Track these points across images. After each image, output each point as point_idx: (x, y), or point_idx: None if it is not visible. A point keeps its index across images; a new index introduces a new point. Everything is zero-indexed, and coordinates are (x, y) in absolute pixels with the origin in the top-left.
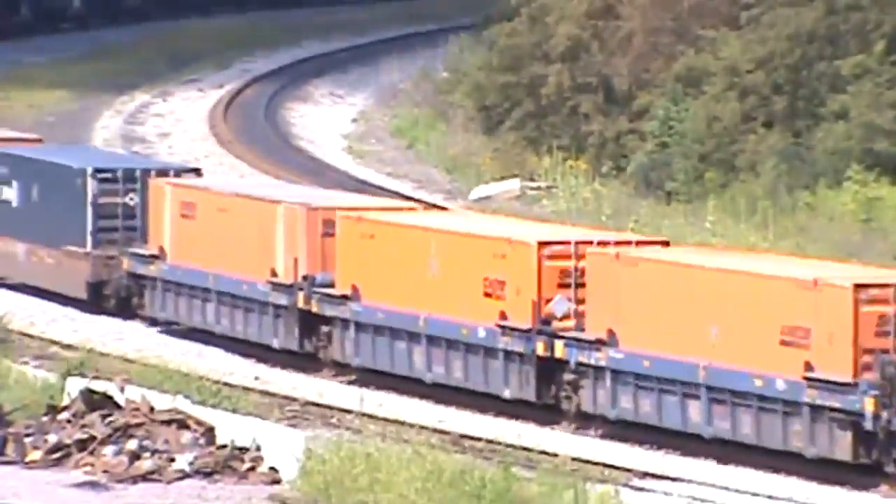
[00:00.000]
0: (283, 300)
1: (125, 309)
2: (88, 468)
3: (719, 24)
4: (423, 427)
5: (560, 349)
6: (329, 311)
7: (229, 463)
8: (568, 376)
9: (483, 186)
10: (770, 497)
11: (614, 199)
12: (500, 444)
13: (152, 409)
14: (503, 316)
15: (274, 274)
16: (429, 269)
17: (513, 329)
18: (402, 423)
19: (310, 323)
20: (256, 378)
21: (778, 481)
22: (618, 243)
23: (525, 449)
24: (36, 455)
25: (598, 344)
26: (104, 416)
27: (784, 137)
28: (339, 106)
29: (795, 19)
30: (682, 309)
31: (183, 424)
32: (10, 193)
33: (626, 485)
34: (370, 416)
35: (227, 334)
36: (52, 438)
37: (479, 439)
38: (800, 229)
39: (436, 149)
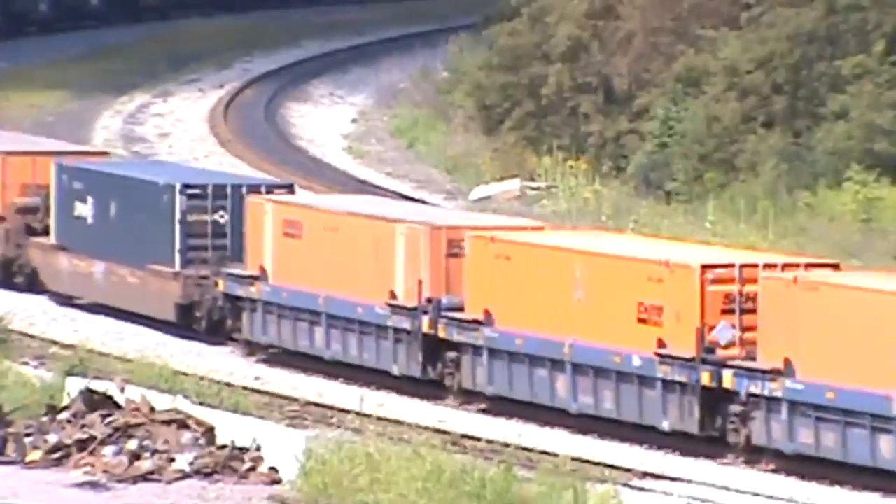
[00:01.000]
0: (404, 324)
1: (217, 332)
2: (88, 468)
3: (719, 24)
4: (423, 427)
5: (728, 379)
6: (458, 337)
7: (229, 463)
8: (736, 408)
9: (483, 186)
10: (770, 497)
11: (614, 199)
12: (500, 444)
13: (152, 409)
14: (661, 343)
15: (393, 296)
16: (573, 293)
17: (673, 358)
18: (402, 423)
19: (434, 348)
20: (256, 378)
21: (778, 481)
22: (786, 266)
23: (525, 449)
24: (36, 455)
25: (773, 374)
26: (104, 416)
27: (784, 137)
28: (339, 106)
29: (795, 19)
30: (869, 336)
31: (183, 424)
32: (85, 209)
33: (626, 485)
34: (370, 416)
35: (337, 359)
36: (52, 438)
37: (479, 439)
38: (800, 229)
39: (436, 149)
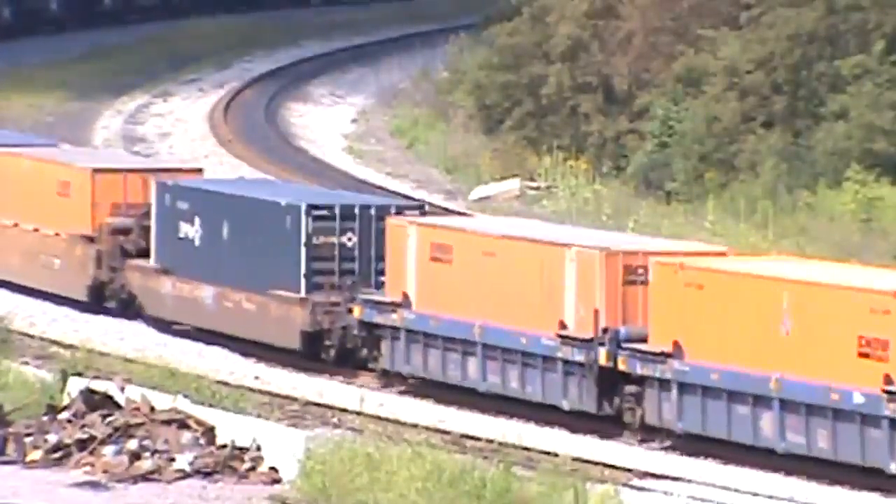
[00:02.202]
0: (577, 356)
1: (348, 361)
2: (88, 468)
3: (719, 24)
4: (423, 427)
5: None
6: (642, 370)
7: (229, 463)
8: None
9: (483, 186)
10: (770, 497)
11: (614, 199)
12: (500, 444)
13: (152, 409)
14: (888, 380)
15: (563, 326)
16: (780, 325)
17: None
18: (402, 423)
19: (611, 382)
20: (256, 378)
21: (778, 481)
22: None
23: (525, 449)
24: (36, 455)
25: None
26: (104, 416)
27: (784, 137)
28: (339, 106)
29: (795, 19)
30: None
31: (183, 424)
32: (192, 230)
33: (626, 485)
34: (370, 416)
35: (494, 392)
36: (53, 438)
37: (479, 439)
38: (800, 229)
39: (436, 149)
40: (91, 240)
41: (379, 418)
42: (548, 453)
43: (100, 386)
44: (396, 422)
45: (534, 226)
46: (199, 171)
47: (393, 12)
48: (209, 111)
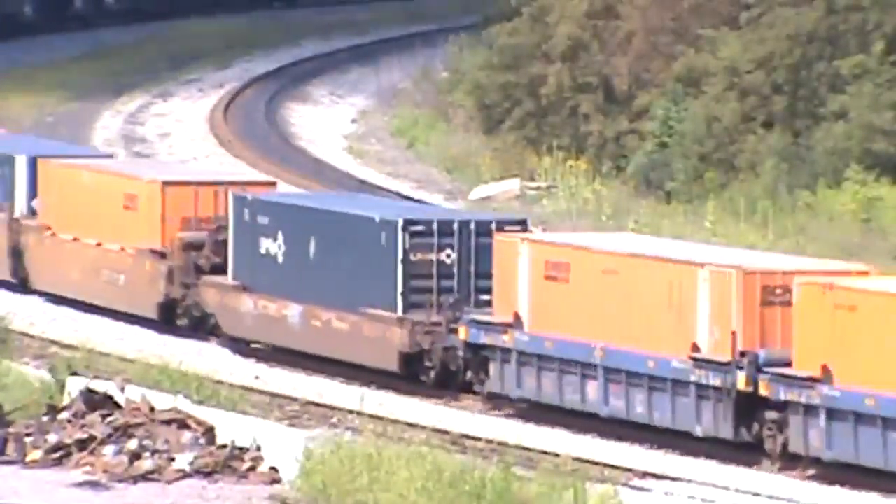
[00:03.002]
0: (713, 380)
1: (450, 383)
2: (88, 468)
3: (719, 24)
4: (423, 427)
5: None
6: (786, 395)
7: (229, 463)
8: None
9: (483, 186)
10: (770, 497)
11: (614, 199)
12: (500, 444)
13: (152, 409)
14: None
15: (696, 349)
16: None
17: None
18: (402, 423)
19: (750, 408)
20: (256, 378)
21: (778, 481)
22: None
23: (525, 449)
24: (36, 455)
25: None
26: (104, 416)
27: (784, 137)
28: (339, 106)
29: (795, 19)
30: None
31: (183, 424)
32: (274, 246)
33: (626, 485)
34: (370, 416)
35: (617, 416)
36: (53, 438)
37: (479, 439)
38: (800, 229)
39: (436, 149)
40: (162, 255)
41: (379, 418)
42: (548, 453)
43: (100, 386)
44: (396, 422)
45: (656, 242)
46: (273, 184)
47: (393, 12)
48: (209, 111)
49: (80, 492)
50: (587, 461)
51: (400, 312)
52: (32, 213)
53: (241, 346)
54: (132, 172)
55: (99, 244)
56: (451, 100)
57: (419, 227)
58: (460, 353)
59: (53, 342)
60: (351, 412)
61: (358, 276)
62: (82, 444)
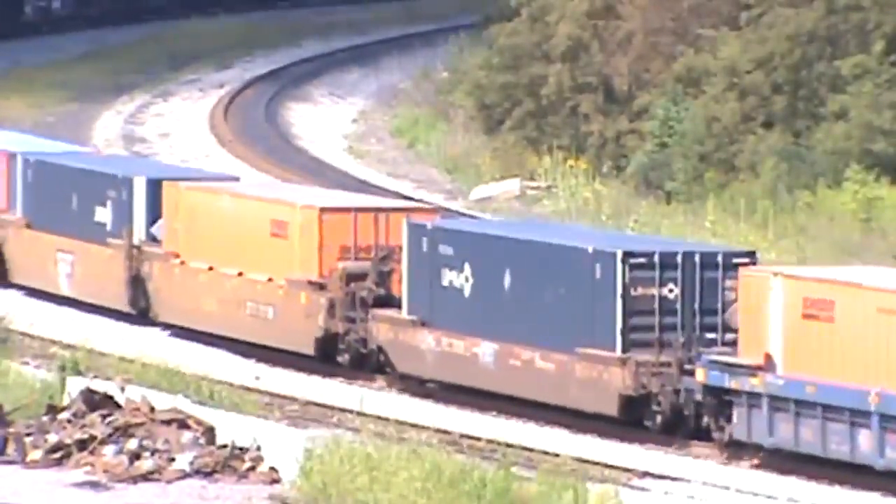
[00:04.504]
0: None
1: (678, 429)
2: (88, 468)
3: (719, 24)
4: (423, 427)
5: None
6: None
7: (229, 463)
8: None
9: (483, 186)
10: (770, 497)
11: (614, 199)
12: (500, 444)
13: (152, 409)
14: None
15: None
16: None
17: None
18: (402, 423)
19: None
20: (257, 378)
21: (778, 481)
22: None
23: (525, 449)
24: (36, 455)
25: None
26: (104, 416)
27: (784, 137)
28: (339, 106)
29: (795, 19)
30: None
31: (183, 424)
32: (460, 279)
33: (626, 485)
34: (370, 416)
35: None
36: (53, 438)
37: (479, 439)
38: (799, 229)
39: (436, 149)
40: (321, 287)
41: (379, 418)
42: (548, 453)
43: (100, 386)
44: (396, 422)
45: None
46: (436, 210)
47: (393, 12)
48: (209, 111)
49: (80, 492)
50: (587, 461)
51: (620, 352)
52: (153, 239)
53: (241, 347)
54: (281, 197)
55: (240, 274)
56: (451, 100)
57: (640, 260)
58: (697, 396)
59: (53, 342)
60: (351, 412)
61: (566, 311)
62: (82, 444)
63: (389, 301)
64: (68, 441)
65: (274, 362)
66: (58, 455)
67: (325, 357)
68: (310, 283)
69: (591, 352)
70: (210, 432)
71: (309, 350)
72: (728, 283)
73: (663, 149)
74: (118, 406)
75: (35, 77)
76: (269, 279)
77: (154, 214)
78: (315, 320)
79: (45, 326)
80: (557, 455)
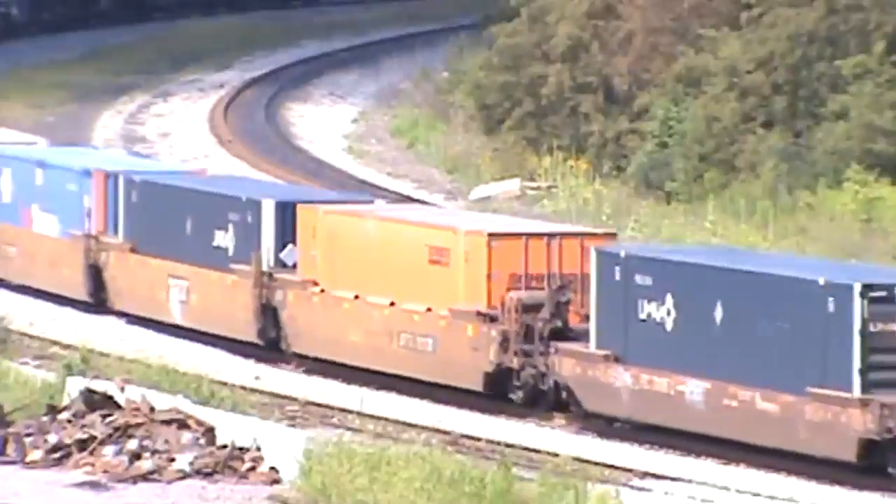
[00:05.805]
0: None
1: None
2: (88, 468)
3: (719, 24)
4: (423, 427)
5: None
6: None
7: (229, 463)
8: None
9: (483, 186)
10: (770, 497)
11: (614, 199)
12: (500, 444)
13: (152, 409)
14: None
15: None
16: None
17: None
18: (402, 423)
19: None
20: (257, 378)
21: (778, 481)
22: None
23: (525, 449)
24: (36, 455)
25: None
26: (104, 416)
27: (784, 137)
28: (339, 106)
29: (795, 19)
30: None
31: (183, 424)
32: (660, 311)
33: (626, 485)
34: (370, 416)
35: None
36: (52, 438)
37: (479, 439)
38: (800, 229)
39: (436, 149)
40: (491, 318)
41: (379, 418)
42: (548, 453)
43: (100, 386)
44: (396, 422)
45: None
46: (613, 235)
47: (393, 12)
48: (209, 111)
49: (80, 492)
50: (587, 461)
51: (858, 393)
52: (282, 265)
53: (242, 347)
54: (439, 222)
55: (392, 304)
56: (451, 100)
57: (881, 293)
58: None
59: (53, 342)
60: (351, 412)
61: (791, 348)
62: (82, 445)
63: (565, 334)
64: (68, 441)
65: (274, 362)
66: (58, 455)
67: (495, 393)
68: (478, 314)
69: (826, 393)
70: (210, 432)
71: (477, 386)
72: None
73: (663, 149)
74: (118, 406)
75: (35, 77)
76: (428, 309)
77: (284, 239)
78: (485, 354)
79: (46, 326)
80: (557, 455)
